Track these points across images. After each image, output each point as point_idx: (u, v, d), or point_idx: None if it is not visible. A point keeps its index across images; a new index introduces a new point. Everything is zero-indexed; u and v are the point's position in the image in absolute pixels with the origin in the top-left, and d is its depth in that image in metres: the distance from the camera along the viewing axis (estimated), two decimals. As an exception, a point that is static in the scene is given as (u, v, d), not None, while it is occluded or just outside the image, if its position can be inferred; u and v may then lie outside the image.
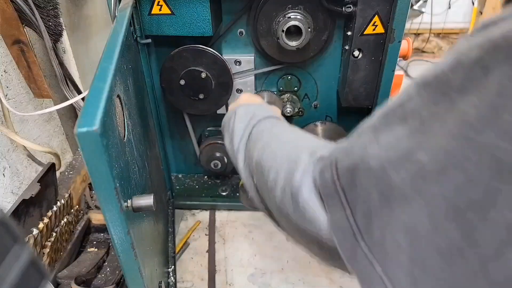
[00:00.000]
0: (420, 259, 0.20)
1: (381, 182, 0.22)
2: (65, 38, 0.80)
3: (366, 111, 0.86)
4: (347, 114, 0.88)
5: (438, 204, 0.19)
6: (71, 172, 0.88)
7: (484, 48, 0.19)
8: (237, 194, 0.98)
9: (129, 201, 0.36)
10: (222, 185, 1.02)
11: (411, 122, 0.22)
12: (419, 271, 0.20)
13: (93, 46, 0.97)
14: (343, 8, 0.67)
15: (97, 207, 0.86)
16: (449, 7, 2.24)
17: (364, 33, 0.67)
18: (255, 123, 0.44)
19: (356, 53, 0.70)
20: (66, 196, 0.75)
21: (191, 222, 0.93)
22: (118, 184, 0.31)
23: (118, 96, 0.40)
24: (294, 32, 0.69)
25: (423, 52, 2.35)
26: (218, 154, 0.92)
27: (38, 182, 0.68)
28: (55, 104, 0.80)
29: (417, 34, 2.34)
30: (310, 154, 0.31)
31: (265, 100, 0.85)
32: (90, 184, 0.91)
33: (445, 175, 0.19)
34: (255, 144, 0.41)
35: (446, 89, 0.21)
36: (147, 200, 0.36)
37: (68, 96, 0.74)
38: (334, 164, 0.26)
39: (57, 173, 0.79)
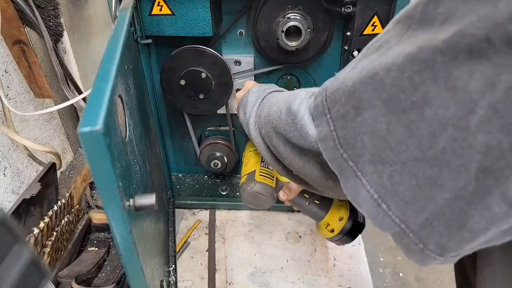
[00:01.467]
0: (378, 154, 0.27)
1: (353, 96, 0.28)
2: (65, 38, 0.80)
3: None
4: (347, 114, 0.88)
5: (392, 107, 0.26)
6: (71, 172, 0.88)
7: None
8: (237, 194, 0.99)
9: (131, 200, 0.36)
10: (222, 184, 1.02)
11: (382, 50, 0.28)
12: (378, 161, 0.27)
13: (93, 46, 0.97)
14: (343, 9, 0.67)
15: (97, 207, 0.86)
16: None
17: (364, 33, 0.68)
18: (266, 94, 0.52)
19: (355, 53, 0.71)
20: (66, 195, 0.76)
21: (191, 221, 0.94)
22: (120, 183, 0.32)
23: (119, 96, 0.41)
24: (293, 32, 0.69)
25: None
26: (218, 154, 0.93)
27: (38, 181, 0.69)
28: (55, 104, 0.80)
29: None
30: (306, 92, 0.38)
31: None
32: (90, 183, 0.91)
33: (394, 86, 0.25)
34: (264, 105, 0.48)
35: (411, 22, 0.26)
36: (149, 199, 0.36)
37: (68, 96, 0.75)
38: (325, 90, 0.32)
39: (58, 173, 0.79)
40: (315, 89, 0.37)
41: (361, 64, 0.29)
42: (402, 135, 0.25)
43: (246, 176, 0.71)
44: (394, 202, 0.26)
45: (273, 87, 0.56)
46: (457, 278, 0.48)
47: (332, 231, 0.63)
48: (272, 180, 0.70)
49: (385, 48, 0.28)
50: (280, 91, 0.53)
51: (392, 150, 0.26)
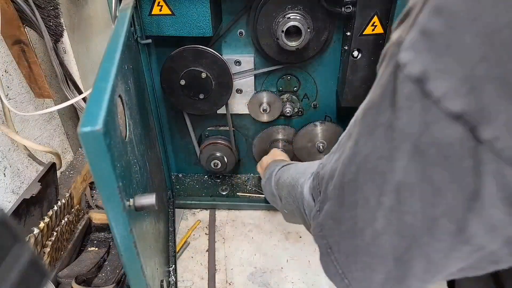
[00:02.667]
0: (338, 240, 0.33)
1: (324, 187, 0.35)
2: (65, 38, 0.80)
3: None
4: (347, 114, 0.89)
5: (340, 202, 0.33)
6: (71, 172, 0.88)
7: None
8: (237, 194, 0.99)
9: (131, 200, 0.36)
10: (222, 184, 1.02)
11: (349, 143, 0.32)
12: (339, 246, 0.34)
13: (93, 46, 0.97)
14: (343, 9, 0.67)
15: (97, 207, 0.86)
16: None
17: (363, 33, 0.68)
18: (277, 170, 0.65)
19: (355, 53, 0.71)
20: (66, 195, 0.76)
21: (191, 221, 0.94)
22: (120, 183, 0.32)
23: (119, 96, 0.41)
24: (293, 32, 0.69)
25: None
26: (218, 154, 0.93)
27: (38, 181, 0.69)
28: (55, 104, 0.80)
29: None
30: (309, 174, 0.46)
31: (265, 101, 0.86)
32: (90, 183, 0.91)
33: (339, 186, 0.33)
34: (279, 178, 0.62)
35: (376, 119, 0.28)
36: (149, 199, 0.36)
37: (68, 96, 0.75)
38: (316, 175, 0.40)
39: (58, 173, 0.79)
40: (315, 167, 0.44)
41: (334, 156, 0.36)
42: (349, 227, 0.31)
43: None
44: (352, 279, 0.33)
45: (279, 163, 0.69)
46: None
47: None
48: None
49: (352, 142, 0.32)
50: (285, 164, 0.66)
51: (344, 238, 0.33)
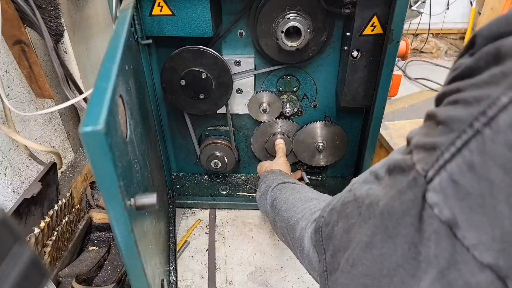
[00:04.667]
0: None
1: (346, 255, 0.34)
2: (66, 38, 0.80)
3: (364, 111, 0.87)
4: (346, 114, 0.89)
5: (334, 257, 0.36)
6: (72, 172, 0.88)
7: None
8: (237, 193, 0.99)
9: (132, 199, 0.36)
10: (222, 184, 1.02)
11: (362, 229, 0.33)
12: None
13: (94, 47, 0.97)
14: (342, 9, 0.68)
15: (98, 206, 0.86)
16: (448, 8, 2.25)
17: (363, 33, 0.68)
18: (273, 187, 0.65)
19: (354, 53, 0.71)
20: (67, 195, 0.76)
21: (192, 221, 0.94)
22: (121, 183, 0.32)
23: (120, 96, 0.41)
24: (293, 33, 0.70)
25: (422, 52, 2.35)
26: (218, 154, 0.93)
27: (39, 181, 0.69)
28: (56, 104, 0.80)
29: (415, 35, 2.35)
30: (306, 219, 0.47)
31: (264, 101, 0.86)
32: (91, 183, 0.92)
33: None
34: (275, 199, 0.61)
35: (397, 229, 0.29)
36: (150, 199, 0.36)
37: (69, 96, 0.75)
38: (319, 229, 0.40)
39: (58, 173, 0.79)
40: (312, 215, 0.46)
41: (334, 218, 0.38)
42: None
43: None
44: None
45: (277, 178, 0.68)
46: None
47: None
48: None
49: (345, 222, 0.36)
50: (281, 183, 0.65)
51: None
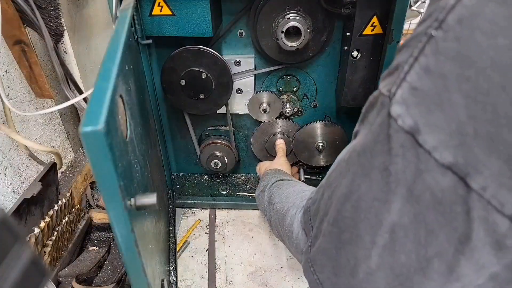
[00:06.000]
0: (325, 270, 0.34)
1: (327, 218, 0.35)
2: (66, 38, 0.80)
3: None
4: (346, 114, 0.89)
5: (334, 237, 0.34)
6: (72, 172, 0.88)
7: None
8: (237, 193, 0.99)
9: (132, 199, 0.36)
10: (222, 184, 1.02)
11: (343, 181, 0.33)
12: (324, 273, 0.35)
13: (94, 47, 0.97)
14: (342, 9, 0.68)
15: (98, 206, 0.86)
16: (448, 7, 2.25)
17: (363, 33, 0.68)
18: (271, 185, 0.65)
19: (354, 53, 0.71)
20: (67, 195, 0.76)
21: (192, 221, 0.94)
22: (122, 183, 0.32)
23: (120, 96, 0.41)
24: (293, 33, 0.70)
25: (422, 52, 2.35)
26: (218, 154, 0.93)
27: (39, 181, 0.69)
28: (56, 104, 0.80)
29: (415, 34, 2.35)
30: (296, 206, 0.48)
31: (264, 101, 0.86)
32: (91, 183, 0.92)
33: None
34: (271, 195, 0.61)
35: (371, 162, 0.30)
36: (150, 199, 0.36)
37: (69, 96, 0.75)
38: (307, 210, 0.42)
39: (58, 173, 0.79)
40: (301, 202, 0.47)
41: (319, 190, 0.39)
42: (343, 264, 0.32)
43: None
44: None
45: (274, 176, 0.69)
46: None
47: None
48: None
49: (327, 188, 0.37)
50: (278, 180, 0.65)
51: (336, 275, 0.33)
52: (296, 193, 0.53)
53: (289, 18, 0.69)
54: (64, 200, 0.73)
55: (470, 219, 0.23)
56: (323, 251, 0.35)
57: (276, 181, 0.65)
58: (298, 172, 0.97)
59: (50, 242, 0.66)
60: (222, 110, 0.87)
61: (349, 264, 0.31)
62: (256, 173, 1.02)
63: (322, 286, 0.35)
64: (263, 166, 0.86)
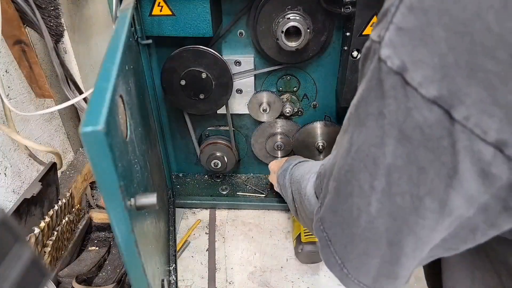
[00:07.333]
0: (337, 230, 0.36)
1: (332, 176, 0.36)
2: (66, 38, 0.80)
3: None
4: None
5: (338, 195, 0.35)
6: (72, 172, 0.88)
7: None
8: (237, 193, 0.99)
9: (132, 199, 0.36)
10: (222, 184, 1.02)
11: (345, 137, 0.34)
12: (338, 235, 0.36)
13: (94, 47, 0.97)
14: (342, 9, 0.68)
15: (98, 206, 0.86)
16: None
17: (363, 33, 0.68)
18: (292, 167, 0.67)
19: (355, 53, 0.71)
20: (67, 195, 0.76)
21: (192, 221, 0.94)
22: (122, 183, 0.32)
23: (120, 96, 0.41)
24: (293, 33, 0.70)
25: (422, 52, 2.35)
26: (218, 154, 0.93)
27: (39, 181, 0.69)
28: (56, 104, 0.80)
29: (415, 34, 2.35)
30: (311, 172, 0.51)
31: (264, 101, 0.86)
32: (91, 183, 0.92)
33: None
34: (292, 174, 0.64)
35: (367, 110, 0.30)
36: (150, 199, 0.36)
37: (69, 96, 0.75)
38: (319, 174, 0.44)
39: (59, 173, 0.79)
40: (317, 168, 0.48)
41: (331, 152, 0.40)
42: (346, 216, 0.33)
43: (294, 240, 0.82)
44: (350, 268, 0.35)
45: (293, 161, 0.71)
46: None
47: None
48: None
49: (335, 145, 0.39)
50: (298, 162, 0.68)
51: (341, 228, 0.34)
52: (313, 164, 0.57)
53: (289, 18, 0.69)
54: (64, 200, 0.73)
55: (456, 151, 0.24)
56: (329, 207, 0.36)
57: (298, 163, 0.67)
58: None
59: (50, 242, 0.66)
60: (222, 110, 0.87)
61: (352, 215, 0.32)
62: (257, 173, 1.02)
63: (331, 242, 0.36)
64: (274, 165, 0.86)
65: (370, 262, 0.33)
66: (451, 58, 0.22)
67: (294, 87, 0.86)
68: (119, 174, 0.31)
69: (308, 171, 0.53)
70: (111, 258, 0.76)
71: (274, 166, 0.86)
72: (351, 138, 0.31)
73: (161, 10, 0.68)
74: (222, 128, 0.94)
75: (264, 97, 0.86)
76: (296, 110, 0.89)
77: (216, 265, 0.83)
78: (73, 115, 0.95)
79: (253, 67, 0.82)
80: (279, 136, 0.92)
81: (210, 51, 0.74)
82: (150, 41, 0.73)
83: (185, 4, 0.67)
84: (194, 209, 0.98)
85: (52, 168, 0.74)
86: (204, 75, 0.77)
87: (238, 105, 0.88)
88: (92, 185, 0.92)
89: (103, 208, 0.84)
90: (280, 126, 0.91)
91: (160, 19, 0.69)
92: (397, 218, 0.29)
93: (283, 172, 0.69)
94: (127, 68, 0.49)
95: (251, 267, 0.82)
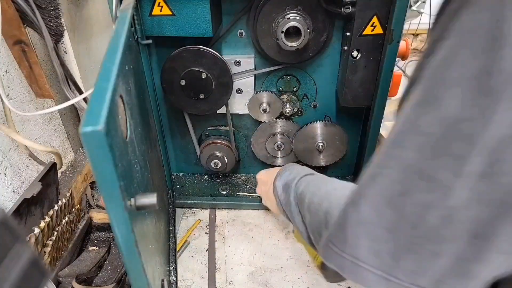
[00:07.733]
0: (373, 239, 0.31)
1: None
2: (66, 38, 0.80)
3: (364, 111, 0.87)
4: (346, 114, 0.89)
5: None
6: (72, 172, 0.88)
7: None
8: (237, 193, 0.99)
9: (132, 199, 0.36)
10: (222, 184, 1.02)
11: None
12: (374, 245, 0.31)
13: (94, 47, 0.97)
14: (342, 9, 0.68)
15: (98, 206, 0.86)
16: (448, 7, 2.24)
17: (363, 33, 0.68)
18: (295, 184, 0.59)
19: (354, 53, 0.71)
20: (67, 195, 0.76)
21: (192, 221, 0.94)
22: (122, 183, 0.32)
23: (120, 96, 0.41)
24: (293, 33, 0.70)
25: (422, 52, 2.35)
26: (218, 154, 0.93)
27: (39, 181, 0.69)
28: (56, 104, 0.80)
29: (415, 35, 2.35)
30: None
31: (264, 101, 0.86)
32: (91, 183, 0.92)
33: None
34: (301, 195, 0.55)
35: (451, 76, 0.26)
36: (150, 199, 0.36)
37: (69, 96, 0.75)
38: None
39: (59, 173, 0.79)
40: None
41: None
42: (411, 220, 0.28)
43: (316, 259, 0.75)
44: (403, 275, 0.29)
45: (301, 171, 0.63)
46: None
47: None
48: None
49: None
50: (306, 175, 0.60)
51: (388, 232, 0.29)
52: (339, 188, 0.47)
53: (289, 18, 0.69)
54: (64, 200, 0.73)
55: None
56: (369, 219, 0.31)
57: (304, 176, 0.59)
58: None
59: (50, 242, 0.66)
60: (222, 110, 0.87)
61: (412, 217, 0.28)
62: (256, 173, 1.02)
63: (360, 260, 0.32)
64: (264, 176, 0.78)
65: (436, 263, 0.28)
66: None
67: (294, 87, 0.86)
68: (119, 174, 0.31)
69: (340, 195, 0.44)
70: (111, 258, 0.76)
71: (263, 176, 0.77)
72: (413, 124, 0.26)
73: (161, 10, 0.68)
74: (222, 128, 0.94)
75: (264, 97, 0.86)
76: (296, 110, 0.89)
77: (216, 265, 0.83)
78: (73, 115, 0.95)
79: (253, 67, 0.82)
80: (279, 136, 0.92)
81: (210, 51, 0.74)
82: (150, 41, 0.73)
83: (185, 4, 0.67)
84: (194, 209, 0.98)
85: (52, 168, 0.74)
86: (204, 75, 0.76)
87: (238, 105, 0.88)
88: (92, 185, 0.92)
89: (103, 208, 0.84)
90: (280, 126, 0.91)
91: (160, 19, 0.69)
92: (493, 205, 0.24)
93: (285, 188, 0.61)
94: (127, 68, 0.49)
95: (251, 267, 0.82)
